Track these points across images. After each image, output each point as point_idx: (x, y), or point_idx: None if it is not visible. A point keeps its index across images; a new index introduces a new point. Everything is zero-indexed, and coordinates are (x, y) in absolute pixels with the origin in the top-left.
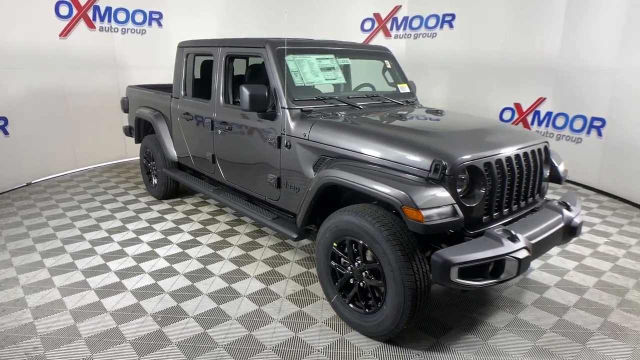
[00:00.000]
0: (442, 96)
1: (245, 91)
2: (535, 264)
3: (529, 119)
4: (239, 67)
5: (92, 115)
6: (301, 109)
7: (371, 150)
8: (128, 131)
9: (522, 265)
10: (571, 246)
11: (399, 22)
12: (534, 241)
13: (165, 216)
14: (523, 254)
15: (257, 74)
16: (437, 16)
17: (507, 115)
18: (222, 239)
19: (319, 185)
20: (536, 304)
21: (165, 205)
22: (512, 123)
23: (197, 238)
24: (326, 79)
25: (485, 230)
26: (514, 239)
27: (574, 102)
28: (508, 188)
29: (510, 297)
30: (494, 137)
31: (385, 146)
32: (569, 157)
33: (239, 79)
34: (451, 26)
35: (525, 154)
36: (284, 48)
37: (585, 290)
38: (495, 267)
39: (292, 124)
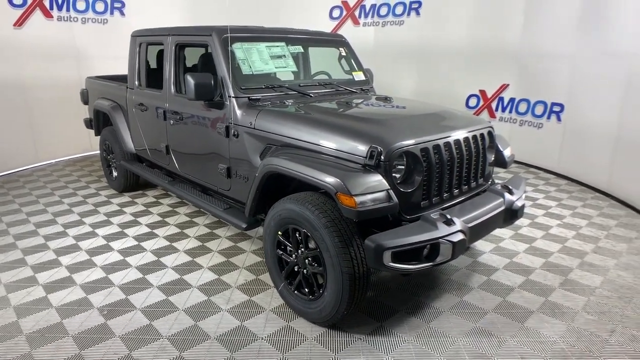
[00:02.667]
0: (410, 84)
1: (190, 80)
2: (486, 247)
3: (494, 105)
4: (195, 56)
5: (53, 108)
6: (249, 97)
7: (313, 138)
8: (89, 123)
9: (457, 248)
10: (524, 229)
11: (367, 9)
12: (471, 225)
13: (125, 209)
14: (458, 237)
15: (209, 63)
16: (404, 3)
17: (472, 102)
18: (180, 230)
19: (262, 174)
20: (482, 286)
21: (125, 198)
22: (477, 109)
23: (154, 230)
24: (276, 67)
25: (422, 214)
26: (449, 222)
27: (535, 88)
28: (448, 173)
29: (458, 280)
30: (435, 123)
31: (325, 134)
32: (531, 143)
33: (194, 68)
34: (418, 14)
35: (467, 139)
36: (231, 36)
37: (531, 272)
38: (430, 251)
39: (239, 113)
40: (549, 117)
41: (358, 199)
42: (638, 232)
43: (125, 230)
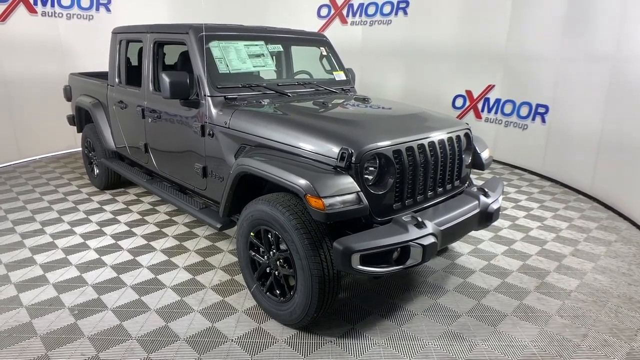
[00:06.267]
0: (397, 84)
1: (165, 78)
2: (465, 249)
3: (480, 105)
4: (176, 54)
5: (37, 104)
6: (225, 96)
7: (286, 139)
8: (71, 120)
9: (428, 251)
10: (504, 231)
11: (355, 8)
12: (443, 227)
13: (105, 207)
14: (429, 240)
15: (188, 61)
16: (391, 3)
17: (459, 102)
18: (159, 229)
19: (234, 175)
20: (458, 289)
21: (106, 195)
22: (464, 110)
23: (132, 229)
24: (254, 66)
25: (394, 217)
26: (420, 225)
27: (521, 89)
28: (422, 175)
29: (433, 282)
30: (410, 124)
31: (298, 134)
32: (516, 144)
33: (175, 66)
34: (405, 13)
35: (442, 141)
36: (208, 34)
37: (508, 274)
38: (400, 254)
39: (214, 112)
40: (533, 119)
41: (327, 201)
42: (618, 235)
43: (104, 229)
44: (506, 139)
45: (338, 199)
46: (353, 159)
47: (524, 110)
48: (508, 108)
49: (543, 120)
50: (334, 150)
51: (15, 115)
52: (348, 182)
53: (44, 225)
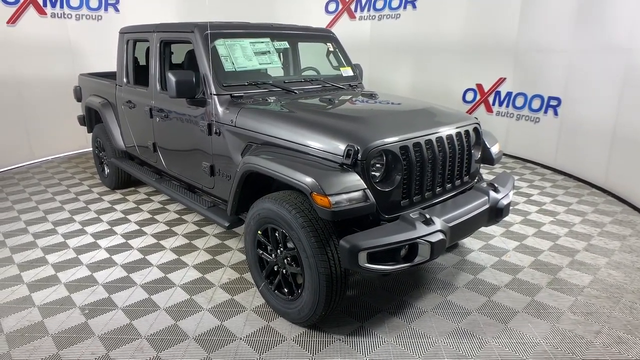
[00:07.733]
0: (406, 78)
1: (171, 77)
2: (475, 244)
3: (490, 99)
4: (183, 53)
5: (48, 105)
6: (231, 94)
7: (292, 136)
8: (82, 120)
9: (436, 248)
10: (516, 226)
11: (363, 3)
12: (451, 224)
13: (115, 206)
14: (437, 237)
15: (194, 60)
16: None
17: (469, 96)
18: (168, 228)
19: (240, 173)
20: (468, 286)
21: (117, 195)
22: (474, 104)
23: (142, 228)
24: (260, 63)
25: (401, 214)
26: (428, 222)
27: (532, 81)
28: (430, 171)
29: (443, 279)
30: (418, 119)
31: (304, 132)
32: (528, 137)
33: (182, 65)
34: (414, 7)
35: (450, 136)
36: (213, 32)
37: (519, 270)
38: (408, 251)
39: (220, 110)
40: (545, 112)
41: (333, 199)
42: (633, 230)
43: (114, 228)
44: (518, 133)
45: (344, 196)
46: (359, 155)
47: (536, 103)
48: (519, 101)
49: (555, 113)
50: (340, 147)
51: (28, 116)
52: (354, 179)
53: (56, 225)
